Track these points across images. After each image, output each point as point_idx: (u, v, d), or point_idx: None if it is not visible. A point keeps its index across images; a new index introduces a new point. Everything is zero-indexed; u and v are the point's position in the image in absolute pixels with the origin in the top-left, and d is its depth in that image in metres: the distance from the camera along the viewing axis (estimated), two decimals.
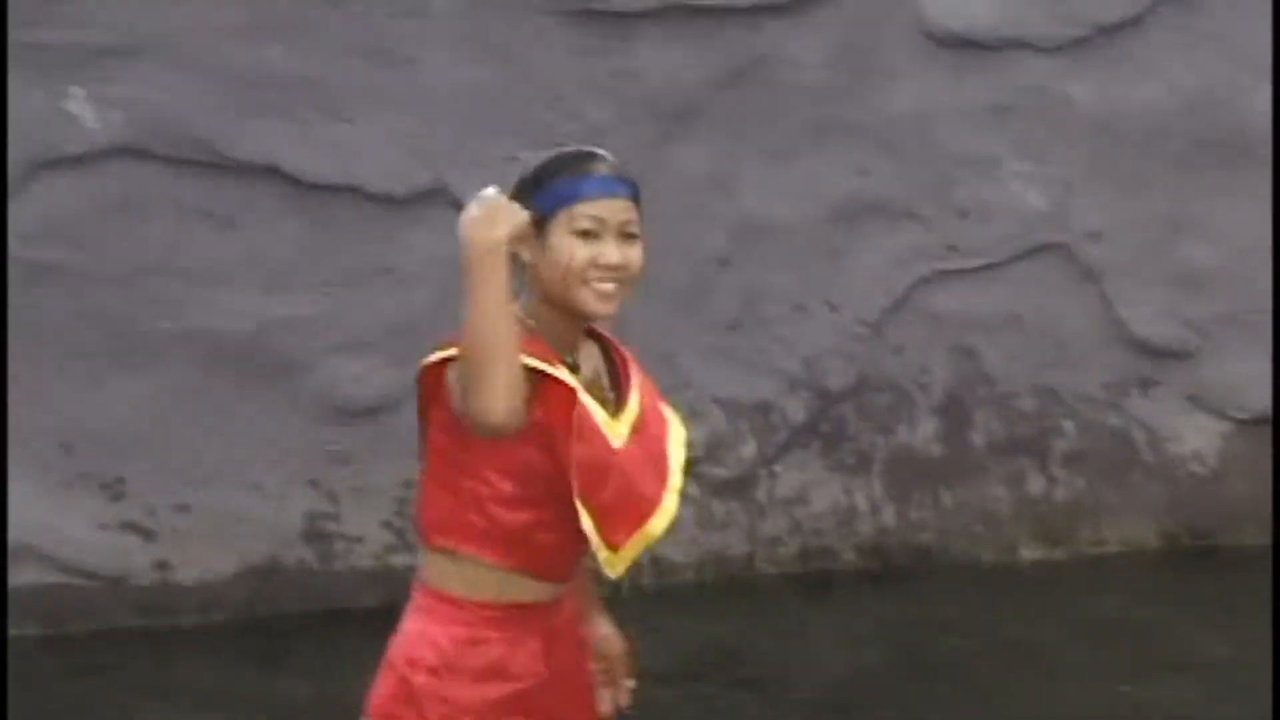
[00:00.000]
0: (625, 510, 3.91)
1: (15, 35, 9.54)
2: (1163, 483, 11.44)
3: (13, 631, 9.57)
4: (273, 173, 10.06)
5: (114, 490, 9.86)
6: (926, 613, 10.39)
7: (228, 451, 10.05)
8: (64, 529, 9.78)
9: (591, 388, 3.94)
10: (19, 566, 9.70)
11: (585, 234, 3.79)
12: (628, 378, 4.03)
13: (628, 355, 4.10)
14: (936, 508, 11.19)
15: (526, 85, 10.29)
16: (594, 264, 3.82)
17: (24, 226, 9.66)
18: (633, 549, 3.96)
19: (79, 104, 9.75)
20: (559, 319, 3.89)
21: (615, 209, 3.83)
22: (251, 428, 10.08)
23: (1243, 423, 11.48)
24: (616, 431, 3.90)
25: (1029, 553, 11.23)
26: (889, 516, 11.14)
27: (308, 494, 10.21)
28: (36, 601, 9.70)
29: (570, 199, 3.78)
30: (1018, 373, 11.26)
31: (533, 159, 3.85)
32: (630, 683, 4.12)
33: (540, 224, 3.82)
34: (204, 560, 10.02)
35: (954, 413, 11.22)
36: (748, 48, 10.65)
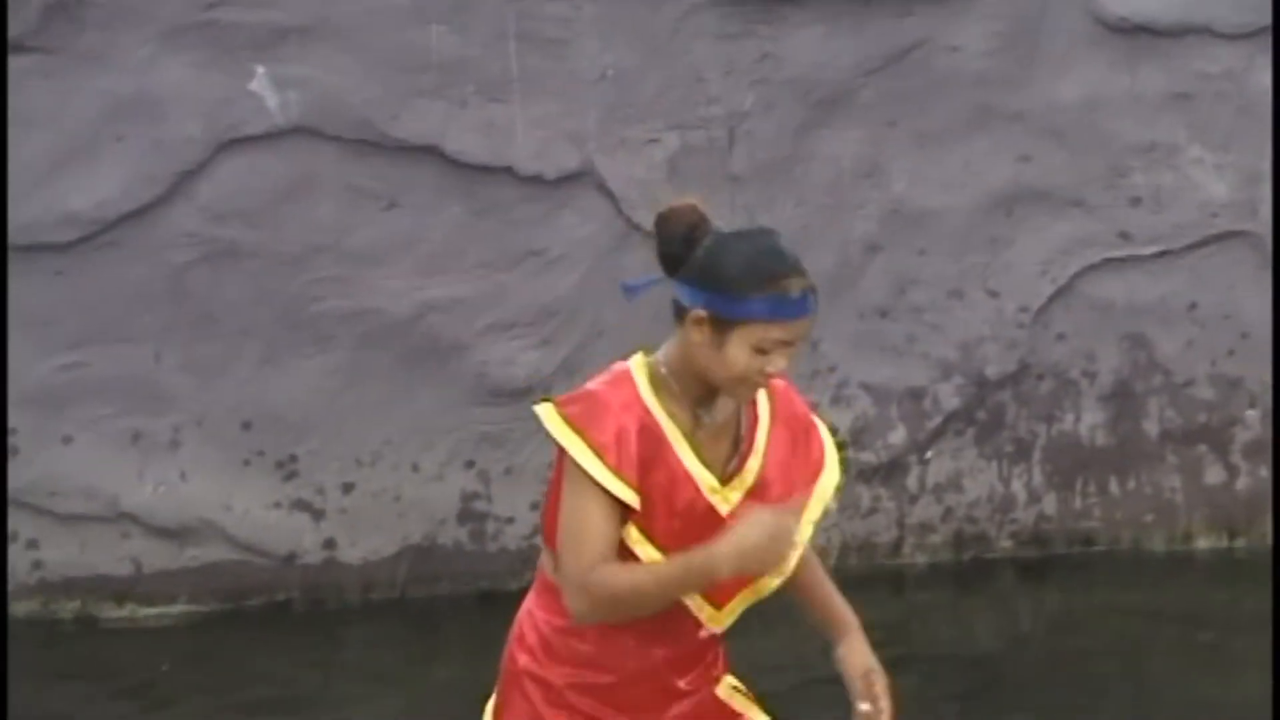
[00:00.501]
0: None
1: (195, 16, 9.81)
2: None
3: (193, 606, 9.86)
4: (432, 152, 10.14)
5: (287, 469, 10.02)
6: (1087, 600, 10.19)
7: (389, 432, 10.13)
8: (241, 507, 9.94)
9: (715, 441, 3.89)
10: (201, 544, 9.89)
11: (763, 351, 3.78)
12: (751, 443, 3.94)
13: (761, 414, 4.00)
14: (1103, 496, 10.95)
15: (672, 70, 10.25)
16: (761, 371, 3.81)
17: (209, 204, 9.84)
18: (739, 605, 3.98)
19: (261, 84, 10.01)
20: (699, 385, 3.87)
21: (801, 330, 3.83)
22: (411, 408, 10.14)
23: None
24: (725, 498, 3.86)
25: (1204, 542, 11.00)
26: (1050, 505, 10.90)
27: (463, 475, 10.26)
28: (215, 577, 9.89)
29: (764, 320, 3.75)
30: (1195, 361, 10.98)
31: (723, 250, 3.76)
32: (864, 706, 4.04)
33: (718, 322, 3.77)
34: (367, 540, 10.12)
35: (1124, 401, 10.95)
36: (900, 33, 10.48)
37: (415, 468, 10.18)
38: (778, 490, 3.95)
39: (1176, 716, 8.32)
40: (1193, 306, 10.98)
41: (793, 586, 4.10)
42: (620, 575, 3.69)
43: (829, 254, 10.53)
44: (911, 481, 10.80)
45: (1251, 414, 11.11)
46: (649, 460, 3.79)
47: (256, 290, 9.96)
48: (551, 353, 10.27)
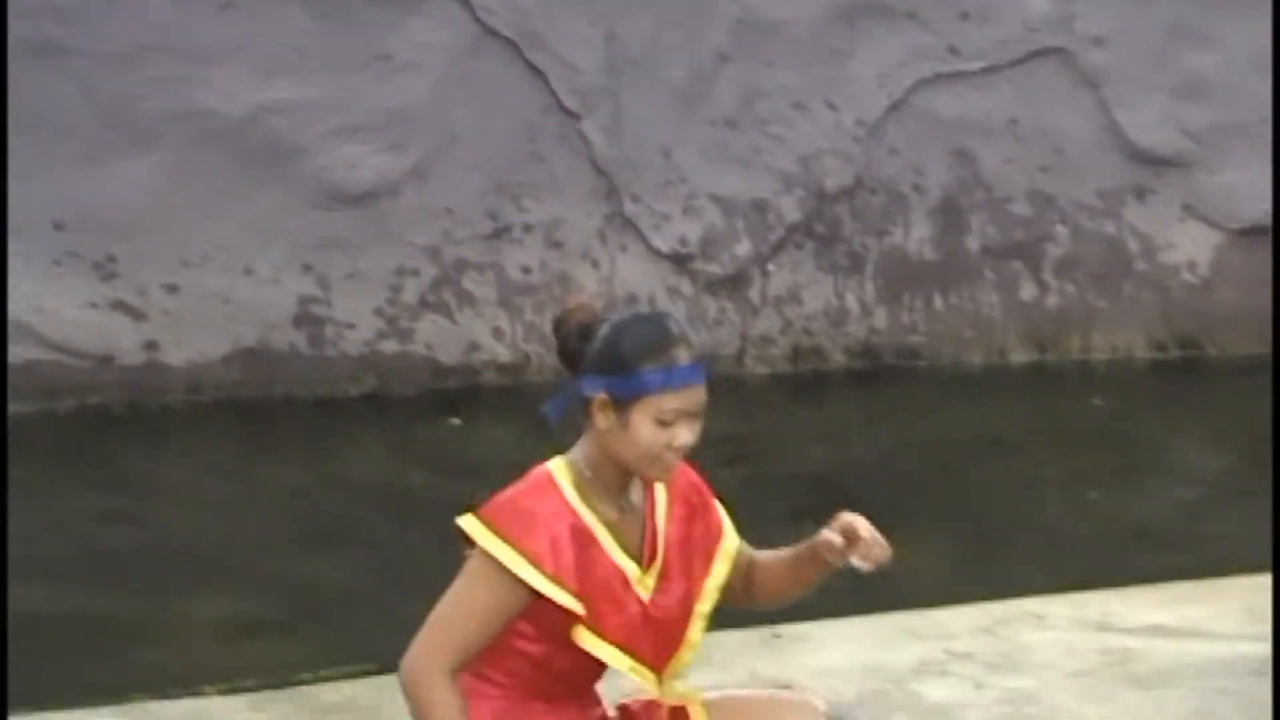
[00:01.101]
0: (659, 647, 3.96)
1: None
2: (1154, 291, 11.24)
3: (9, 408, 9.57)
4: None
5: (105, 270, 9.72)
6: (912, 412, 10.30)
7: (220, 234, 9.86)
8: (55, 308, 9.65)
9: (633, 530, 3.87)
10: (14, 345, 9.52)
11: (666, 423, 3.76)
12: (654, 526, 3.88)
13: (658, 494, 3.93)
14: (928, 311, 11.02)
15: None
16: (669, 447, 3.78)
17: (24, 2, 9.43)
18: (674, 670, 3.93)
19: None
20: (617, 475, 3.87)
21: (695, 397, 3.79)
22: (245, 211, 9.88)
23: (1236, 232, 11.26)
24: (644, 584, 3.84)
25: (1018, 357, 11.20)
26: (880, 319, 10.94)
27: (300, 279, 10.05)
28: (29, 379, 9.56)
29: (658, 391, 3.75)
30: (1014, 177, 11.05)
31: (615, 334, 3.78)
32: (837, 538, 3.81)
33: (619, 403, 3.77)
34: (192, 342, 9.88)
35: (949, 216, 10.99)
36: None
37: (248, 271, 9.93)
38: (678, 567, 3.97)
39: (995, 522, 8.41)
40: (1013, 122, 11.07)
41: (757, 596, 4.08)
42: (435, 697, 3.70)
43: (681, 65, 10.44)
44: (754, 294, 10.79)
45: (1061, 230, 11.30)
46: (585, 564, 3.82)
47: (80, 89, 9.57)
48: (400, 158, 10.00)
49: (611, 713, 4.04)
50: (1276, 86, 8.61)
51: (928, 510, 8.47)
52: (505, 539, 3.78)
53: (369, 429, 10.08)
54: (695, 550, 3.99)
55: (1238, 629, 6.07)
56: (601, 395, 3.79)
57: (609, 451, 3.84)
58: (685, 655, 3.99)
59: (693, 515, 4.00)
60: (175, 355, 9.86)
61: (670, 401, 3.75)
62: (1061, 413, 10.44)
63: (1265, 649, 5.76)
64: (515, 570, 3.76)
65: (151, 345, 9.84)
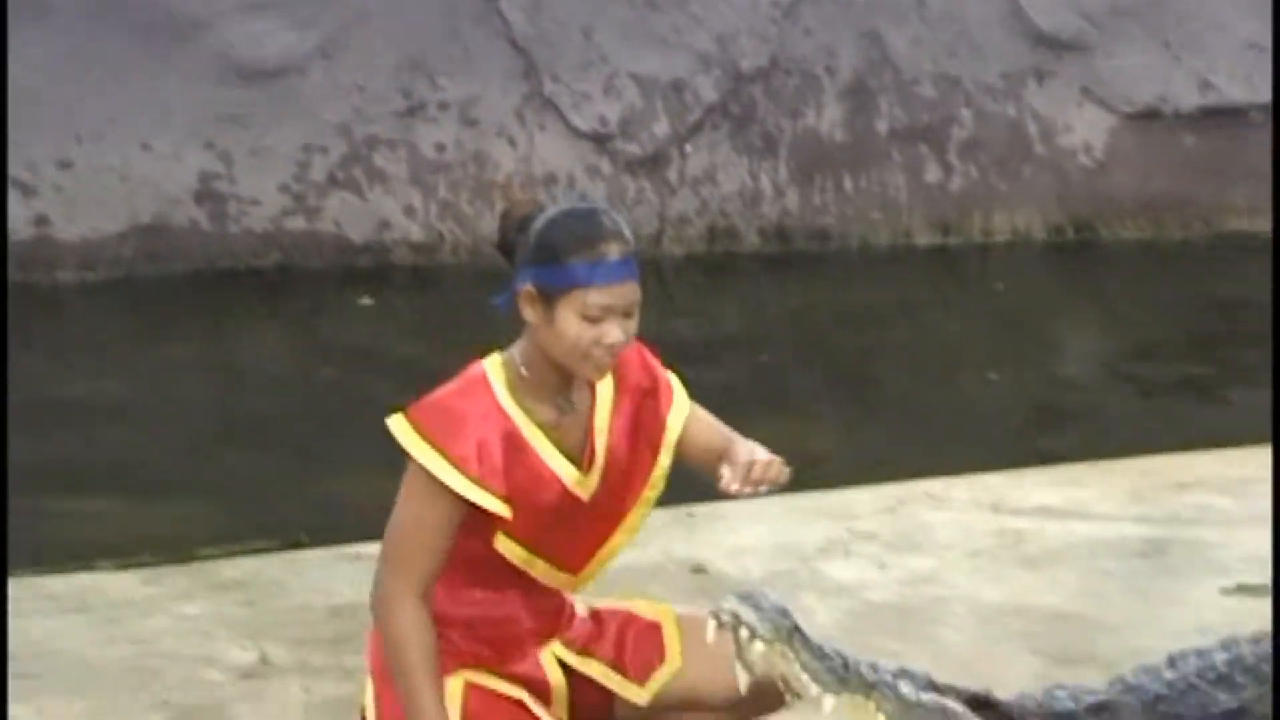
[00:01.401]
0: (584, 542, 3.87)
1: None
2: (1052, 174, 11.43)
3: None
4: None
5: None
6: (822, 295, 10.48)
7: (117, 110, 9.79)
8: None
9: (575, 429, 3.74)
10: None
11: (593, 319, 3.65)
12: (592, 424, 3.76)
13: (601, 391, 3.80)
14: (838, 193, 11.19)
15: None
16: (598, 343, 3.65)
17: None
18: (595, 568, 3.85)
19: None
20: (553, 373, 3.75)
21: (624, 294, 3.65)
22: (143, 86, 9.80)
23: (1130, 116, 11.48)
24: (585, 484, 3.74)
25: (923, 239, 11.42)
26: (792, 200, 11.09)
27: (201, 155, 10.00)
28: None
29: (584, 284, 3.63)
30: (921, 60, 11.20)
31: (546, 225, 3.65)
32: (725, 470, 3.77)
33: (545, 295, 3.66)
34: (86, 217, 9.84)
35: (859, 98, 11.14)
36: None
37: (146, 146, 9.87)
38: (623, 464, 3.86)
39: (899, 402, 8.62)
40: (921, 3, 11.15)
41: (685, 456, 3.95)
42: (407, 629, 3.62)
43: None
44: (672, 174, 10.90)
45: (966, 113, 11.49)
46: (511, 467, 3.71)
47: None
48: (308, 34, 9.97)
49: (582, 610, 3.98)
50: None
51: (835, 392, 8.64)
52: (431, 442, 3.67)
53: (274, 306, 10.03)
54: (643, 442, 3.88)
55: (1122, 511, 6.27)
56: (529, 287, 3.67)
57: (542, 348, 3.71)
58: (617, 540, 3.88)
59: (641, 405, 3.87)
60: (68, 231, 9.80)
61: (597, 296, 3.62)
62: (963, 295, 10.65)
63: (1148, 530, 5.99)
64: (439, 475, 3.66)
65: (42, 220, 9.78)
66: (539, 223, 3.73)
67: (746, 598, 3.60)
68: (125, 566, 5.94)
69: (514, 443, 3.74)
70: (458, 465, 3.69)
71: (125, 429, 7.95)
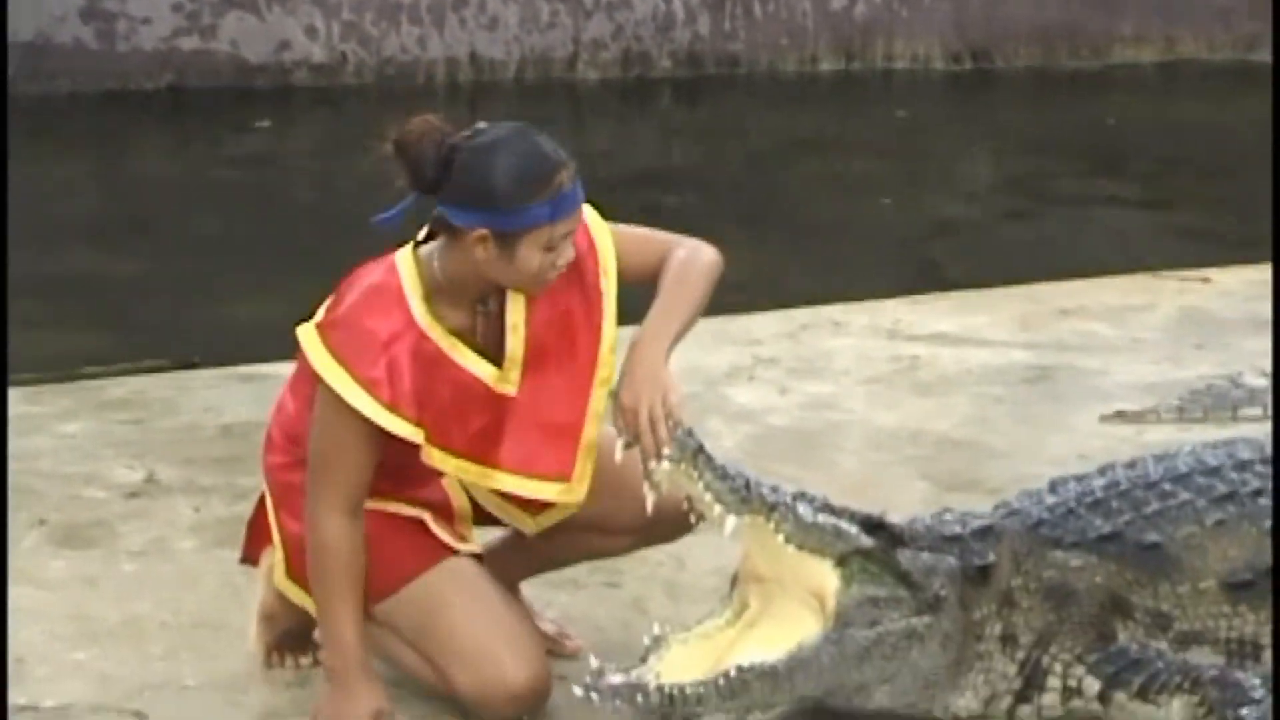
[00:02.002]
0: (544, 441, 3.72)
1: None
2: (950, 2, 11.44)
3: None
4: None
5: None
6: (731, 119, 10.53)
7: None
8: None
9: (493, 329, 3.60)
10: None
11: (551, 248, 3.55)
12: (502, 322, 3.65)
13: (510, 299, 3.68)
14: (747, 19, 11.14)
15: None
16: (554, 266, 3.59)
17: None
18: (552, 518, 3.70)
19: None
20: (478, 286, 3.61)
21: (575, 219, 3.58)
22: None
23: None
24: (507, 379, 3.57)
25: (828, 65, 11.45)
26: (703, 25, 11.05)
27: None
28: None
29: (548, 221, 3.52)
30: None
31: (486, 166, 3.47)
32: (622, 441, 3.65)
33: (502, 236, 3.52)
34: None
35: None
36: None
37: None
38: (553, 350, 3.71)
39: (802, 227, 8.65)
40: None
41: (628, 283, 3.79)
42: (331, 544, 3.54)
43: None
44: None
45: None
46: (429, 383, 3.58)
47: None
48: None
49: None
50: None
51: (740, 215, 8.71)
52: (342, 363, 3.55)
53: (164, 127, 9.83)
54: (576, 325, 3.72)
55: (1012, 337, 6.36)
56: (483, 231, 3.52)
57: (482, 274, 3.57)
58: (590, 430, 3.69)
59: (568, 285, 3.68)
60: None
61: (560, 228, 3.54)
62: (865, 121, 10.71)
63: (1035, 357, 6.08)
64: (350, 400, 3.54)
65: None
66: (473, 160, 3.52)
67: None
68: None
69: (429, 356, 3.61)
70: (368, 389, 3.56)
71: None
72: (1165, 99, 11.04)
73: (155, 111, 9.76)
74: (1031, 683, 3.77)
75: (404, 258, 3.62)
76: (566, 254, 3.60)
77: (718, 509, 3.60)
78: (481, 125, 3.59)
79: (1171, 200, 8.87)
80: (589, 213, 3.75)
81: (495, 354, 3.67)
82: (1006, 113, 10.67)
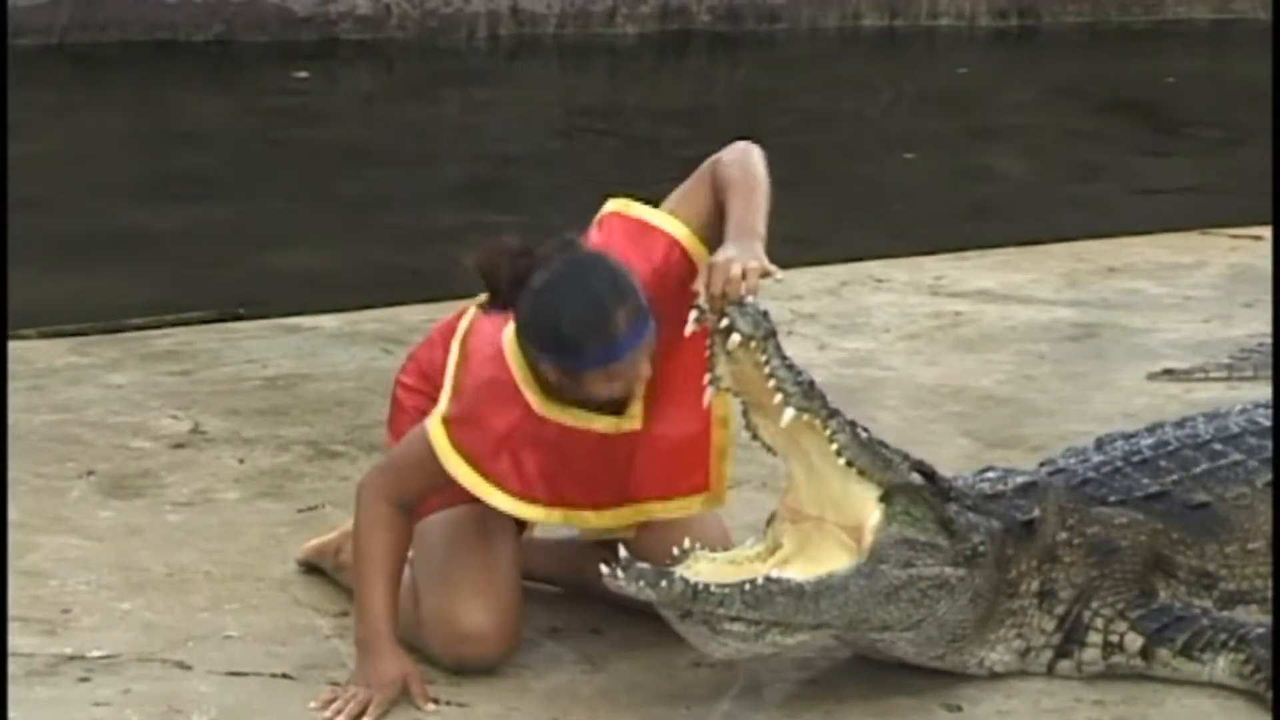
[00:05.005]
0: (677, 462, 3.80)
1: None
2: None
3: None
4: None
5: None
6: (772, 75, 10.46)
7: None
8: None
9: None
10: None
11: (615, 377, 3.61)
12: None
13: None
14: None
15: None
16: (628, 388, 3.65)
17: None
18: (718, 480, 3.76)
19: None
20: None
21: (640, 354, 3.61)
22: None
23: None
24: (632, 417, 3.68)
25: (870, 21, 11.40)
26: None
27: None
28: None
29: (604, 365, 3.57)
30: None
31: (549, 312, 3.53)
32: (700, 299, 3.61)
33: (567, 372, 3.60)
34: None
35: None
36: None
37: None
38: (663, 369, 3.71)
39: (844, 183, 8.65)
40: None
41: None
42: (377, 524, 3.66)
43: None
44: None
45: None
46: (557, 460, 3.70)
47: None
48: None
49: None
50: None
51: (780, 171, 8.71)
52: (468, 459, 3.67)
53: (212, 78, 9.87)
54: (680, 339, 3.64)
55: (1057, 295, 6.33)
56: (547, 365, 3.61)
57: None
58: (718, 468, 3.77)
59: (661, 299, 3.67)
60: None
61: (618, 367, 3.58)
62: (909, 78, 10.68)
63: (1079, 314, 6.09)
64: (482, 495, 3.68)
65: None
66: (538, 301, 3.60)
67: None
68: (51, 335, 5.83)
69: (551, 439, 3.72)
70: (497, 483, 3.71)
71: (55, 197, 7.80)
72: (1221, 57, 10.95)
73: (203, 62, 9.85)
74: (1071, 638, 3.79)
75: (511, 348, 3.72)
76: (639, 374, 3.65)
77: (778, 398, 3.54)
78: (551, 247, 3.65)
79: (1232, 160, 8.81)
80: (652, 214, 3.81)
81: (608, 406, 3.74)
82: (1059, 69, 10.65)
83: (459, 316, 3.86)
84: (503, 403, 3.69)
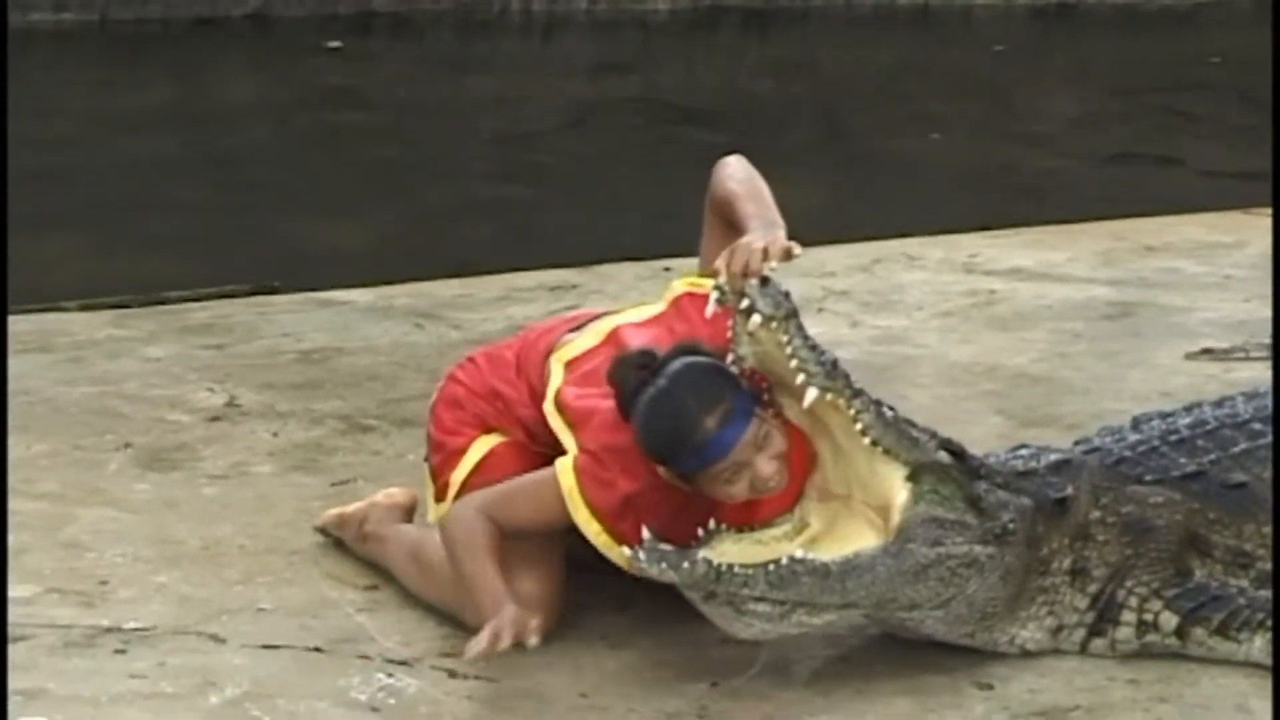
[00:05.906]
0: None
1: None
2: None
3: None
4: None
5: None
6: (806, 51, 10.49)
7: None
8: None
9: None
10: None
11: (730, 478, 3.67)
12: None
13: None
14: None
15: None
16: (752, 486, 3.69)
17: None
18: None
19: None
20: None
21: (748, 444, 3.65)
22: None
23: None
24: None
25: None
26: None
27: None
28: None
29: (701, 469, 3.66)
30: None
31: (650, 428, 3.67)
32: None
33: (679, 474, 3.71)
34: None
35: None
36: None
37: None
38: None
39: (877, 161, 8.61)
40: None
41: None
42: (478, 528, 3.78)
43: None
44: None
45: None
46: (679, 511, 3.76)
47: None
48: None
49: None
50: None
51: (816, 147, 8.69)
52: (596, 514, 3.78)
53: (248, 53, 9.94)
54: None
55: (1093, 273, 6.33)
56: (659, 467, 3.74)
57: None
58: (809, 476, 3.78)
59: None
60: None
61: (719, 467, 3.64)
62: (944, 57, 10.65)
63: (1116, 293, 6.06)
64: (604, 551, 3.77)
65: None
66: (641, 422, 3.74)
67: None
68: (90, 308, 5.88)
69: (677, 502, 3.79)
70: (621, 540, 3.77)
71: (94, 171, 7.85)
72: (1265, 37, 10.90)
73: (241, 38, 9.90)
74: (1105, 616, 3.77)
75: None
76: (760, 471, 3.68)
77: (800, 378, 3.54)
78: (667, 354, 3.76)
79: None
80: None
81: None
82: (1097, 49, 10.59)
83: (530, 358, 3.98)
84: (631, 469, 3.79)
